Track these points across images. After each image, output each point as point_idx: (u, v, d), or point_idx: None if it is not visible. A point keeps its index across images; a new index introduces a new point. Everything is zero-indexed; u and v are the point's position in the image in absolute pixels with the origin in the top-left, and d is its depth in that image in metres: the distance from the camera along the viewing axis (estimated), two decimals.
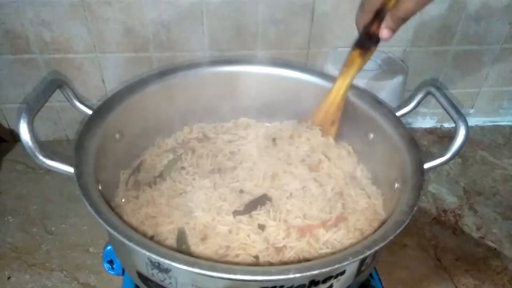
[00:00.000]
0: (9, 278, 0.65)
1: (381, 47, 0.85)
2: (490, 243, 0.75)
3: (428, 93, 0.58)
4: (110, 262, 0.58)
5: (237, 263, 0.48)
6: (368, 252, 0.39)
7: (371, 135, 0.61)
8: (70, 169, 0.47)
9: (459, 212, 0.81)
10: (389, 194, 0.55)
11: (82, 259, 0.69)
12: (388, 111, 0.59)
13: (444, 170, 0.90)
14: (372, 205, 0.58)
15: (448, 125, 1.02)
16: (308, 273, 0.38)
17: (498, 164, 0.93)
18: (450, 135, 1.00)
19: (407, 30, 0.85)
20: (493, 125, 1.04)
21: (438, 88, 0.56)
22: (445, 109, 0.54)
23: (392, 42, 0.86)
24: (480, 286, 0.68)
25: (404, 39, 0.87)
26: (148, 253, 0.39)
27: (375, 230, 0.50)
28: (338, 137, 0.67)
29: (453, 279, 0.69)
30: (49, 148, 0.48)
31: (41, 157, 0.46)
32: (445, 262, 0.72)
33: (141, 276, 0.46)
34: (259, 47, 0.84)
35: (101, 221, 0.41)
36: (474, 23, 0.86)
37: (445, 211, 0.81)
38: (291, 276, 0.37)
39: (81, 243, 0.71)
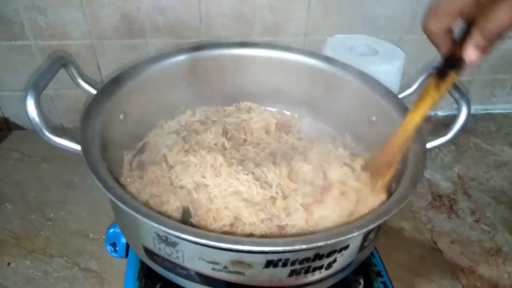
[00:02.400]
0: (9, 264, 0.65)
1: (376, 35, 0.87)
2: (484, 226, 0.77)
3: (430, 75, 0.57)
4: (113, 244, 0.58)
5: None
6: (372, 225, 0.40)
7: (373, 118, 0.61)
8: (77, 146, 0.47)
9: (453, 197, 0.83)
10: None
11: (82, 244, 0.68)
12: (391, 93, 0.59)
13: (439, 157, 0.92)
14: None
15: (442, 113, 1.03)
16: (314, 245, 0.38)
17: (491, 151, 0.95)
18: (444, 123, 1.01)
19: (402, 17, 0.86)
20: (486, 112, 1.06)
21: None
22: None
23: (387, 30, 0.88)
24: (475, 268, 0.70)
25: (400, 27, 0.87)
26: (156, 225, 0.38)
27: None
28: (341, 126, 0.66)
29: (449, 261, 0.70)
30: None
31: (47, 134, 0.46)
32: (441, 245, 0.73)
33: (147, 251, 0.46)
34: (256, 34, 0.84)
35: (110, 196, 0.41)
36: None
37: (440, 196, 0.83)
38: (297, 247, 0.38)
39: (81, 229, 0.71)
